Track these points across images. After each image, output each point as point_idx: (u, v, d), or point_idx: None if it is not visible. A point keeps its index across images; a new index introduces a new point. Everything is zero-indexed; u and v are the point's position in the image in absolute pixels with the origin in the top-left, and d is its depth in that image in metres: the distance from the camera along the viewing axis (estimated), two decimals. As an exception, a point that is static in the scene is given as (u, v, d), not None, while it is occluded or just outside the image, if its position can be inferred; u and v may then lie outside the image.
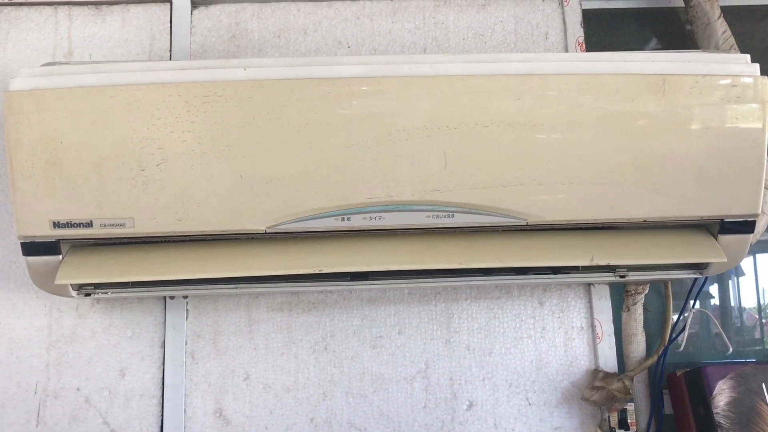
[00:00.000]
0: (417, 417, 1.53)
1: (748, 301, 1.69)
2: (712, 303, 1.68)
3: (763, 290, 1.69)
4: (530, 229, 1.25)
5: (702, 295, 1.62)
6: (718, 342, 1.64)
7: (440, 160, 1.16)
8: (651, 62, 1.19)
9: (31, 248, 1.19)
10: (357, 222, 1.18)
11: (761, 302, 1.69)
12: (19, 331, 1.52)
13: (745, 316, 1.69)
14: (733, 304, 1.69)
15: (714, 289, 1.69)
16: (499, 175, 1.17)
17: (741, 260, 1.33)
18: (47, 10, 1.63)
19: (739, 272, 1.70)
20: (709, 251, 1.26)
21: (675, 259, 1.29)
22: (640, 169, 1.19)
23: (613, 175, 1.18)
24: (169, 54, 1.62)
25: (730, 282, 1.70)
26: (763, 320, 1.69)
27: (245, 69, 1.15)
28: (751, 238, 1.28)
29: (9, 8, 1.62)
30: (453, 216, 1.19)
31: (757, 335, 1.68)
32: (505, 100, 1.16)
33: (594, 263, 1.24)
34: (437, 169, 1.16)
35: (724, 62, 1.21)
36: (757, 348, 1.67)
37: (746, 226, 1.25)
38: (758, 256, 1.70)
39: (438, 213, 1.18)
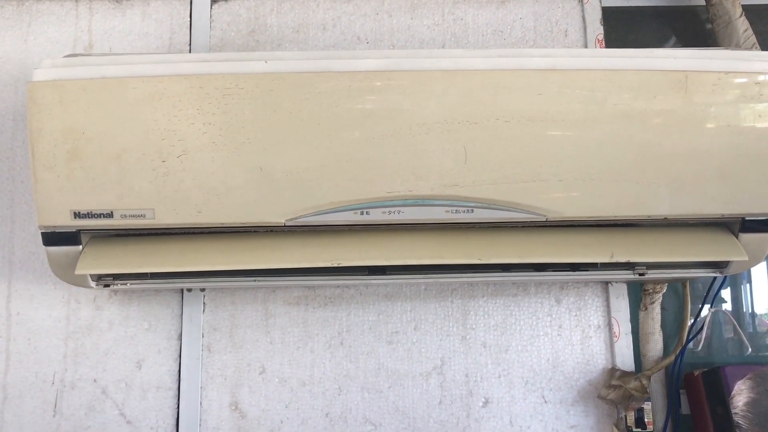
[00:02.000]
0: (432, 413, 1.52)
1: (760, 307, 1.68)
2: (723, 308, 1.66)
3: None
4: (549, 225, 1.24)
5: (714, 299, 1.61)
6: (733, 343, 1.62)
7: (460, 154, 1.15)
8: (673, 59, 1.18)
9: (51, 238, 1.19)
10: (376, 216, 1.18)
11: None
12: (37, 322, 1.53)
13: (757, 322, 1.67)
14: (744, 309, 1.67)
15: (726, 293, 1.67)
16: (519, 170, 1.16)
17: (762, 259, 1.32)
18: (68, 3, 1.64)
19: (750, 276, 1.69)
20: (731, 250, 1.24)
21: (695, 257, 1.28)
22: (661, 166, 1.18)
23: (634, 172, 1.17)
24: (188, 48, 1.63)
25: (742, 287, 1.68)
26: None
27: (266, 62, 1.15)
28: (773, 237, 1.27)
29: (30, 1, 1.64)
30: (472, 211, 1.18)
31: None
32: (526, 96, 1.15)
33: (614, 260, 1.23)
34: (457, 164, 1.15)
35: (747, 59, 1.20)
36: (762, 353, 1.65)
37: (767, 224, 1.24)
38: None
39: (457, 208, 1.18)
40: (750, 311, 1.67)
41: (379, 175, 1.16)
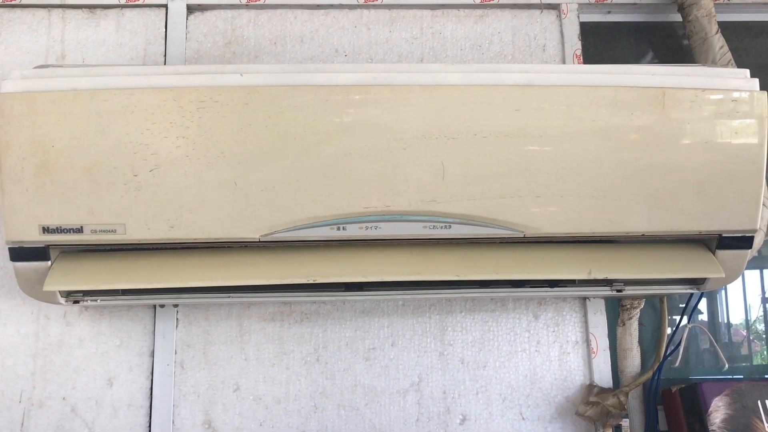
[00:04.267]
0: (409, 431, 1.50)
1: (735, 317, 1.69)
2: (700, 318, 1.66)
3: (750, 306, 1.68)
4: (527, 242, 1.24)
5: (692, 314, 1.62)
6: (710, 358, 1.63)
7: (438, 170, 1.14)
8: (651, 75, 1.19)
9: (19, 254, 1.16)
10: (353, 232, 1.17)
11: (749, 318, 1.68)
12: (4, 338, 1.49)
13: (732, 332, 1.68)
14: (720, 319, 1.68)
15: (702, 304, 1.67)
16: (497, 186, 1.16)
17: (738, 276, 1.32)
18: (40, 12, 1.61)
19: (726, 288, 1.69)
20: (708, 266, 1.25)
21: (673, 274, 1.28)
22: (639, 182, 1.18)
23: (612, 188, 1.17)
24: (164, 59, 1.61)
25: (717, 297, 1.69)
26: (751, 337, 1.68)
27: (242, 75, 1.13)
28: (749, 253, 1.27)
29: (1, 9, 1.61)
30: (450, 227, 1.17)
31: (744, 351, 1.67)
32: (504, 111, 1.15)
33: (591, 277, 1.23)
34: (435, 180, 1.14)
35: (724, 76, 1.21)
36: (744, 365, 1.66)
37: (744, 241, 1.25)
38: (746, 272, 1.68)
39: (435, 224, 1.17)
40: (726, 322, 1.68)
41: (356, 190, 1.14)
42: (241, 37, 1.63)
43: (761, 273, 1.71)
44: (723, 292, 1.69)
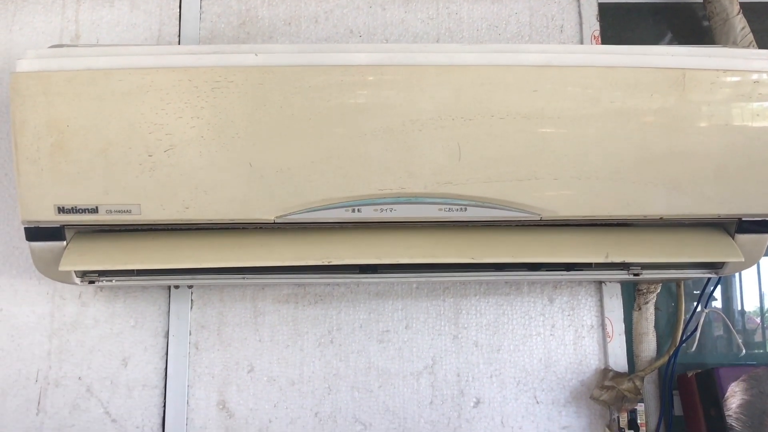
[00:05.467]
0: (423, 413, 1.50)
1: (750, 305, 1.67)
2: (714, 306, 1.65)
3: (765, 294, 1.66)
4: (544, 225, 1.23)
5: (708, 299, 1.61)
6: (726, 344, 1.61)
7: (454, 152, 1.13)
8: (671, 56, 1.16)
9: (34, 233, 1.16)
10: (367, 214, 1.16)
11: (763, 306, 1.66)
12: (20, 318, 1.50)
13: (746, 320, 1.66)
14: (734, 307, 1.66)
15: (716, 292, 1.65)
16: (514, 168, 1.14)
17: (757, 260, 1.31)
18: (55, -8, 1.61)
19: (741, 274, 1.67)
20: (727, 250, 1.23)
21: (692, 258, 1.26)
22: (658, 165, 1.16)
23: (630, 171, 1.16)
24: (177, 40, 1.60)
25: (732, 285, 1.67)
26: (765, 324, 1.66)
27: (256, 55, 1.12)
28: (769, 238, 1.26)
29: (16, -10, 1.60)
30: (466, 210, 1.16)
31: (759, 338, 1.65)
32: (521, 92, 1.13)
33: (609, 260, 1.22)
34: (451, 162, 1.13)
35: (745, 58, 1.18)
36: (758, 351, 1.64)
37: (764, 225, 1.23)
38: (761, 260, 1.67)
39: (450, 206, 1.16)
40: (740, 309, 1.66)
41: (371, 172, 1.13)
42: (255, 18, 1.62)
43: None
44: (737, 279, 1.67)
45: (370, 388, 1.51)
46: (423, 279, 1.39)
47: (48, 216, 1.13)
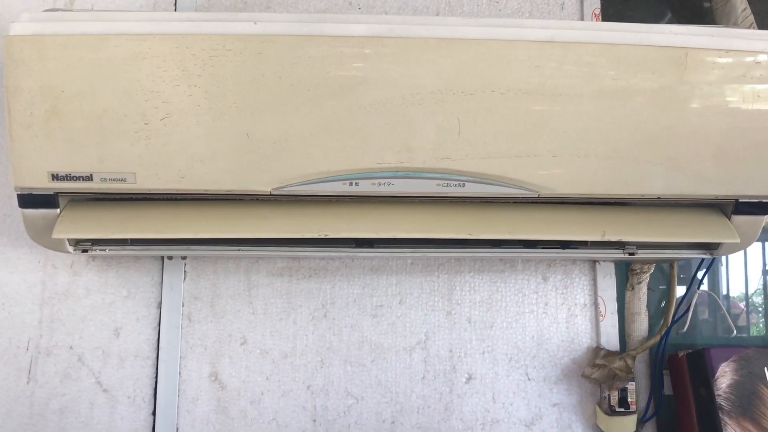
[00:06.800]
0: (415, 388, 1.51)
1: (735, 290, 1.68)
2: (701, 289, 1.65)
3: (750, 280, 1.68)
4: (541, 202, 1.22)
5: (688, 280, 1.61)
6: (717, 325, 1.62)
7: (454, 126, 1.12)
8: (674, 35, 1.15)
9: (28, 200, 1.15)
10: (365, 187, 1.15)
11: (748, 292, 1.67)
12: (11, 287, 1.49)
13: (731, 304, 1.67)
14: (720, 291, 1.67)
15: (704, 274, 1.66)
16: (513, 144, 1.14)
17: (752, 242, 1.31)
18: (48, -44, 1.57)
19: (728, 260, 1.68)
20: (723, 231, 1.23)
21: (688, 238, 1.26)
22: (658, 144, 1.15)
23: (630, 150, 1.15)
24: (174, 7, 1.57)
25: (718, 270, 1.68)
26: (749, 310, 1.67)
27: (255, 23, 1.10)
28: (765, 220, 1.26)
29: (8, -48, 1.57)
30: (464, 185, 1.15)
31: (742, 323, 1.67)
32: (524, 68, 1.12)
33: (605, 239, 1.21)
34: (450, 136, 1.12)
35: (748, 38, 1.17)
36: (743, 335, 1.66)
37: (761, 207, 1.23)
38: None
39: (449, 182, 1.15)
40: (725, 294, 1.67)
41: (369, 145, 1.12)
42: (252, -13, 1.59)
43: (763, 246, 1.69)
44: (724, 265, 1.68)
45: (363, 362, 1.51)
46: (418, 254, 1.39)
47: (41, 183, 1.11)
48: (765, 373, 1.43)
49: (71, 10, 1.45)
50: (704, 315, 1.64)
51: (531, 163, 1.15)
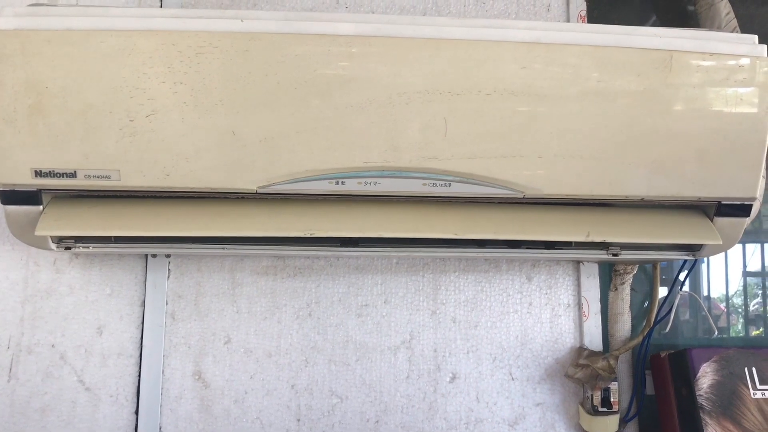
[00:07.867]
0: (399, 387, 1.51)
1: (715, 291, 1.69)
2: (682, 290, 1.67)
3: (730, 281, 1.70)
4: (527, 203, 1.23)
5: (671, 281, 1.63)
6: (698, 326, 1.64)
7: (440, 126, 1.12)
8: (659, 37, 1.16)
9: (10, 197, 1.13)
10: (351, 186, 1.15)
11: (728, 293, 1.69)
12: (-7, 284, 1.47)
13: (711, 305, 1.69)
14: (701, 293, 1.69)
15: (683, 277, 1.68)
16: (499, 145, 1.14)
17: (734, 244, 1.32)
18: (32, -50, 1.56)
19: (709, 261, 1.70)
20: (706, 233, 1.24)
21: (671, 239, 1.27)
22: (641, 146, 1.16)
23: (614, 151, 1.16)
24: (159, 3, 1.57)
25: (700, 271, 1.70)
26: (729, 310, 1.69)
27: (242, 20, 1.10)
28: (746, 222, 1.27)
29: (-8, -54, 1.55)
30: (450, 185, 1.16)
31: (723, 324, 1.69)
32: (510, 69, 1.12)
33: (589, 240, 1.22)
34: (437, 136, 1.12)
35: (732, 42, 1.18)
36: (724, 336, 1.68)
37: (743, 209, 1.24)
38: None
39: (435, 181, 1.15)
40: (706, 295, 1.69)
41: (355, 144, 1.12)
42: (239, -16, 1.59)
43: (743, 247, 1.71)
44: (705, 266, 1.69)
45: (347, 361, 1.51)
46: (404, 254, 1.39)
47: (24, 179, 1.10)
48: (745, 374, 1.44)
49: (56, 5, 1.43)
50: (686, 316, 1.66)
51: (517, 164, 1.15)
